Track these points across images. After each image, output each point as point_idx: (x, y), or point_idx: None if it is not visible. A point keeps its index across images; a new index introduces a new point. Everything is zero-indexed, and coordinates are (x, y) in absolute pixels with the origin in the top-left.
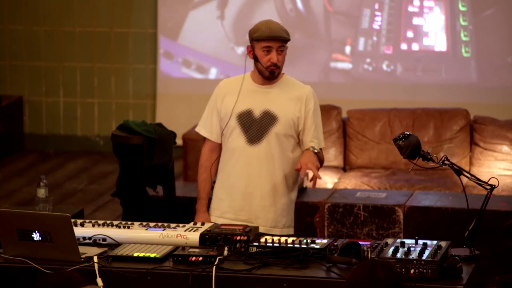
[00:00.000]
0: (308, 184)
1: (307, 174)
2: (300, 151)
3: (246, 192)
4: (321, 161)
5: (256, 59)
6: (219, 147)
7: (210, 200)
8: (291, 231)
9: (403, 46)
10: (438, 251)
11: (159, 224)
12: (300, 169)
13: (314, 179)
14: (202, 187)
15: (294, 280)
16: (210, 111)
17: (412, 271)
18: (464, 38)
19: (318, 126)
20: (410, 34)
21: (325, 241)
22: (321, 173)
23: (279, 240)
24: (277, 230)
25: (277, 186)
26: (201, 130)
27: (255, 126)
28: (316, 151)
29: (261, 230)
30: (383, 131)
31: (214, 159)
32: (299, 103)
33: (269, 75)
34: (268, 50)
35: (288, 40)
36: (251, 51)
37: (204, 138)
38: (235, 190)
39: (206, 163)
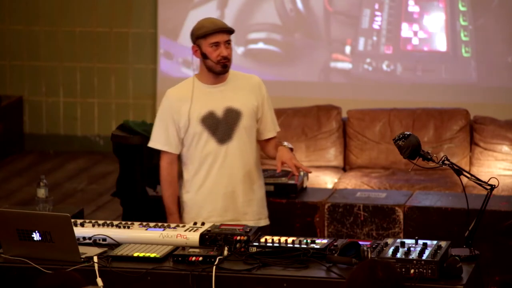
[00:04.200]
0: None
1: (307, 174)
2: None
3: (227, 192)
4: None
5: (205, 56)
6: (177, 159)
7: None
8: (268, 221)
9: (403, 46)
10: (438, 251)
11: (159, 224)
12: (282, 165)
13: (297, 174)
14: (171, 202)
15: (294, 280)
16: (164, 123)
17: (412, 271)
18: (464, 38)
19: (272, 111)
20: (410, 34)
21: (325, 241)
22: (321, 173)
23: (279, 240)
24: (262, 222)
25: (254, 178)
26: (157, 144)
27: (222, 126)
28: (290, 146)
29: (250, 224)
30: (383, 131)
31: (175, 171)
32: (254, 92)
33: (221, 69)
34: (216, 45)
35: (233, 31)
36: (197, 50)
37: (161, 152)
38: (215, 192)
39: (169, 177)
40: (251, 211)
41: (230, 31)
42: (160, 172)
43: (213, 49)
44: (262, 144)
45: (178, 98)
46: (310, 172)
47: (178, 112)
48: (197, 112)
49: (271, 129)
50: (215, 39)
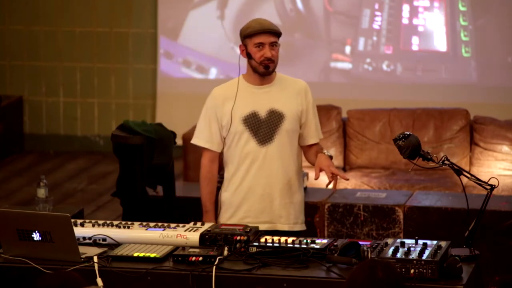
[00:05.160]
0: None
1: (306, 174)
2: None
3: (264, 194)
4: None
5: (249, 56)
6: (218, 157)
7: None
8: (305, 227)
9: (403, 46)
10: (438, 251)
11: (159, 224)
12: (320, 172)
13: (336, 181)
14: (208, 199)
15: (294, 280)
16: (208, 121)
17: (412, 271)
18: (464, 38)
19: (317, 118)
20: (410, 34)
21: (325, 241)
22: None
23: (279, 240)
24: (298, 226)
25: (292, 182)
26: (200, 141)
27: (264, 127)
28: (329, 154)
29: (285, 228)
30: (383, 131)
31: (216, 169)
32: (299, 97)
33: (263, 69)
34: (260, 46)
35: (280, 34)
36: (244, 50)
37: (202, 150)
38: (252, 193)
39: (209, 175)
40: (287, 215)
41: (276, 32)
42: (200, 169)
43: (258, 49)
44: (304, 149)
45: (222, 96)
46: (348, 180)
47: (221, 110)
48: (240, 112)
49: (314, 136)
50: (260, 40)
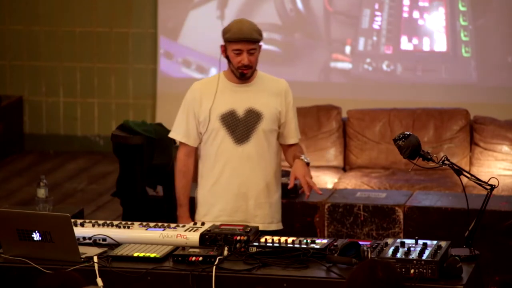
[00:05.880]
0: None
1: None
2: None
3: (239, 193)
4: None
5: (228, 59)
6: (194, 152)
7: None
8: (281, 226)
9: (403, 46)
10: (438, 251)
11: (159, 224)
12: (295, 179)
13: (308, 191)
14: (183, 193)
15: (294, 280)
16: (186, 115)
17: (412, 271)
18: (464, 38)
19: (296, 118)
20: (410, 34)
21: (325, 241)
22: (321, 173)
23: (279, 240)
24: (273, 226)
25: (269, 182)
26: (177, 135)
27: (241, 126)
28: (306, 160)
29: (260, 228)
30: (383, 131)
31: (191, 164)
32: (279, 97)
33: (239, 76)
34: (238, 52)
35: (259, 40)
36: (225, 51)
37: (179, 143)
38: (227, 192)
39: (184, 169)
40: (262, 214)
41: (254, 40)
42: (176, 163)
43: (235, 55)
44: (283, 148)
45: (202, 92)
46: (320, 194)
47: (200, 106)
48: (218, 109)
49: (293, 136)
50: (238, 47)
